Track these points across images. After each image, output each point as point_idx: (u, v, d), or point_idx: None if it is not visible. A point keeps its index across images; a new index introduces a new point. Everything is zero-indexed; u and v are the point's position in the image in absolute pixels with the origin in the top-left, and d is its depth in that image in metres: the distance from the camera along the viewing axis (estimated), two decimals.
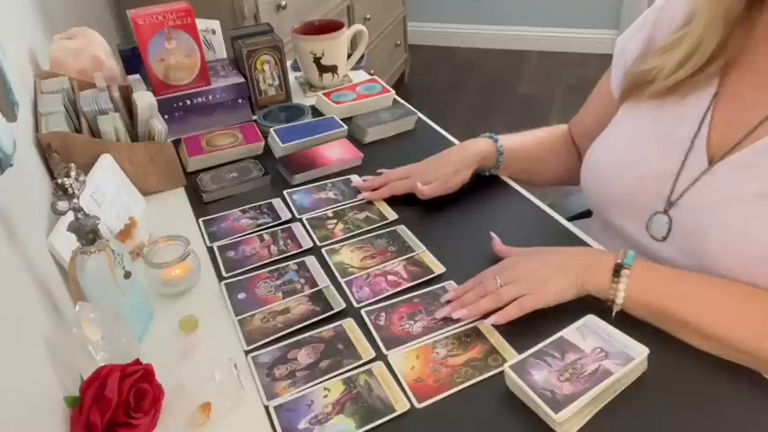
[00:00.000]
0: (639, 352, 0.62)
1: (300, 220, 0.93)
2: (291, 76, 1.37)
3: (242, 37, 1.24)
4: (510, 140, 0.97)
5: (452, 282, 0.79)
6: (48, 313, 0.66)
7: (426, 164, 0.96)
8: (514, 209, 0.93)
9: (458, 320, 0.72)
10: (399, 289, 0.78)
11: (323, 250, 0.86)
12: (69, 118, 0.97)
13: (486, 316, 0.71)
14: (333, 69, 1.31)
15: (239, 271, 0.84)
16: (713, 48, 0.70)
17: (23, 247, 0.66)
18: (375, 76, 1.34)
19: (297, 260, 0.85)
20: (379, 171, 1.01)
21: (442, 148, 1.10)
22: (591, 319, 0.67)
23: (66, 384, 0.63)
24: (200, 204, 0.99)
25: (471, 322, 0.72)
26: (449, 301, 0.74)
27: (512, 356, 0.66)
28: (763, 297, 0.65)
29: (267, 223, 0.93)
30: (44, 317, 0.64)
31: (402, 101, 1.27)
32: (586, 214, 1.05)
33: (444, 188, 0.92)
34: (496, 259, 0.78)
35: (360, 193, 0.98)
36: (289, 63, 1.40)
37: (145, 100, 1.00)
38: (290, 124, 1.15)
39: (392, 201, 0.95)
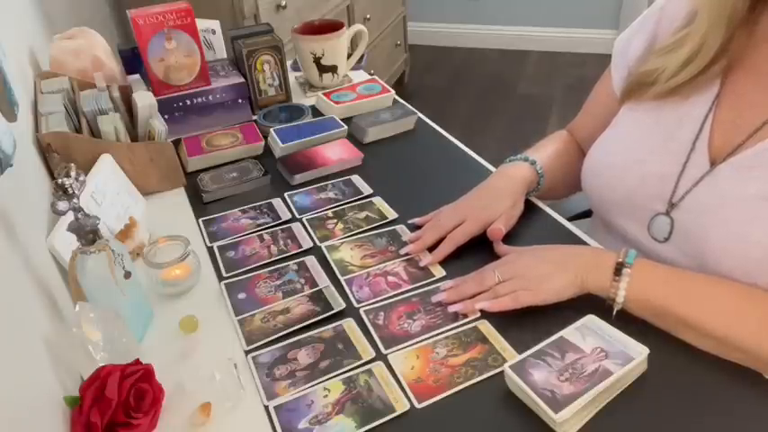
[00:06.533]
0: (639, 352, 0.62)
1: (300, 221, 0.93)
2: (291, 76, 1.37)
3: (242, 37, 1.24)
4: (541, 160, 0.90)
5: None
6: (48, 313, 0.66)
7: (475, 201, 0.85)
8: None
9: (457, 320, 0.72)
10: (399, 290, 0.78)
11: (323, 247, 0.86)
12: (69, 118, 0.97)
13: (485, 313, 0.71)
14: (333, 69, 1.31)
15: (239, 271, 0.84)
16: (716, 49, 0.70)
17: (23, 247, 0.66)
18: (375, 76, 1.34)
19: (297, 260, 0.84)
20: (410, 222, 0.90)
21: (442, 147, 1.11)
22: (591, 319, 0.67)
23: (66, 384, 0.63)
24: (200, 204, 0.99)
25: (471, 322, 0.72)
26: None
27: (512, 356, 0.66)
28: (763, 297, 0.65)
29: (267, 223, 0.93)
30: (44, 317, 0.64)
31: (402, 101, 1.27)
32: (586, 214, 1.05)
33: (510, 225, 0.84)
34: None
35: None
36: (289, 63, 1.40)
37: (145, 100, 1.00)
38: (290, 124, 1.15)
39: (393, 201, 0.95)
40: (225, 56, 1.35)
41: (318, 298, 0.78)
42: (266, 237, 0.90)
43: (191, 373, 0.68)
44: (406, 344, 0.70)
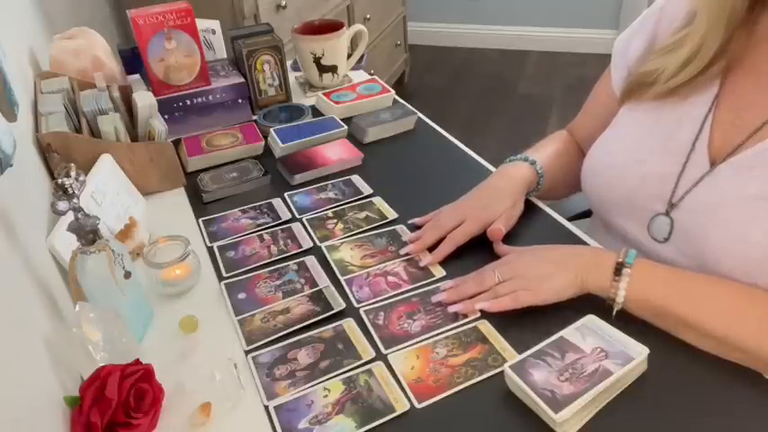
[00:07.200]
0: (639, 352, 0.62)
1: (300, 221, 0.93)
2: (291, 76, 1.37)
3: (242, 37, 1.24)
4: (541, 160, 0.89)
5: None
6: (48, 313, 0.66)
7: (475, 201, 0.85)
8: None
9: (457, 319, 0.72)
10: (399, 290, 0.78)
11: (323, 247, 0.86)
12: (69, 118, 0.97)
13: (485, 313, 0.71)
14: (333, 69, 1.31)
15: (239, 271, 0.84)
16: (715, 49, 0.70)
17: (23, 247, 0.66)
18: (375, 76, 1.34)
19: (297, 260, 0.84)
20: (411, 222, 0.90)
21: (442, 148, 1.11)
22: (591, 319, 0.67)
23: (66, 384, 0.63)
24: (200, 204, 0.99)
25: (471, 322, 0.72)
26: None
27: (512, 356, 0.66)
28: (763, 297, 0.65)
29: (267, 223, 0.93)
30: (44, 317, 0.64)
31: (402, 101, 1.27)
32: (586, 214, 1.05)
33: (510, 225, 0.84)
34: None
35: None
36: (289, 63, 1.40)
37: (145, 100, 1.00)
38: (290, 124, 1.15)
39: (393, 201, 0.95)
40: (225, 56, 1.35)
41: (318, 298, 0.78)
42: (266, 237, 0.90)
43: (191, 373, 0.68)
44: (406, 344, 0.70)
